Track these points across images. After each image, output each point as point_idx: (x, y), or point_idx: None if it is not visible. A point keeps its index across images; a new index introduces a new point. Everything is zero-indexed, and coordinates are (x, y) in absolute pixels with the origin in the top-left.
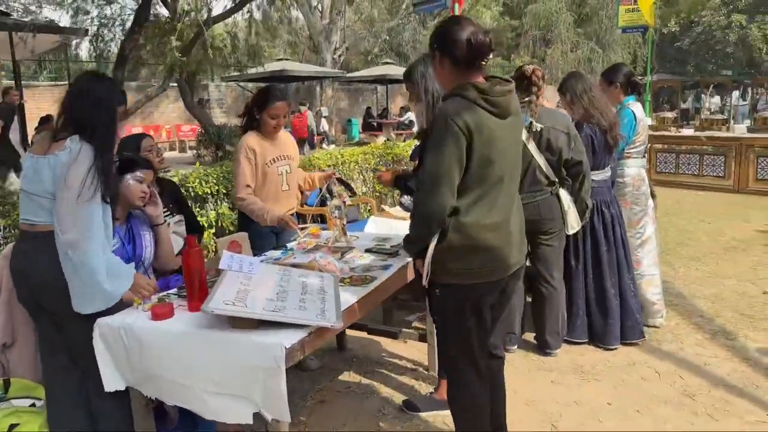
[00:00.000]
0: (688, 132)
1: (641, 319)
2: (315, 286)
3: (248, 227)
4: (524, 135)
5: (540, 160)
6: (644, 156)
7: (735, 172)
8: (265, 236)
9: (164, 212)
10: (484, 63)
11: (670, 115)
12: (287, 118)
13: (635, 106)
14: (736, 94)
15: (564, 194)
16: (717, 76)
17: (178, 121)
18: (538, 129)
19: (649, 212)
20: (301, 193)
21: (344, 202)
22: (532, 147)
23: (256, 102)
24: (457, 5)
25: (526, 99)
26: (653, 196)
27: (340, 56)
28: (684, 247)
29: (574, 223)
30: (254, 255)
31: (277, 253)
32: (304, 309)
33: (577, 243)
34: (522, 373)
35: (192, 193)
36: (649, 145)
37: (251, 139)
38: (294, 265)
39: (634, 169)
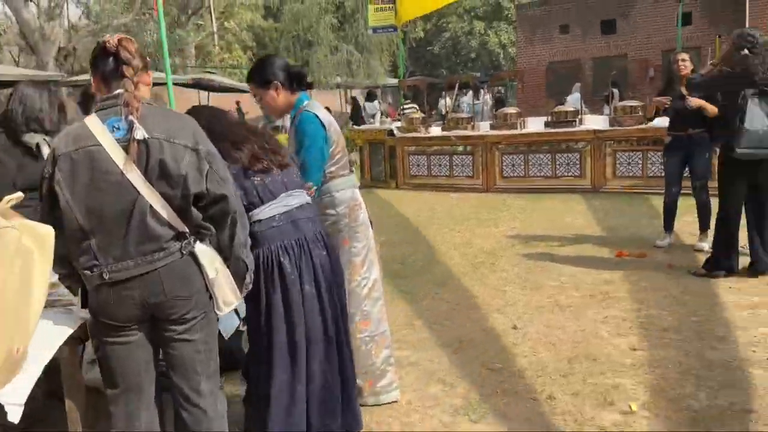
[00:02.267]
0: (436, 132)
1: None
2: None
3: None
4: (121, 155)
5: (152, 197)
6: (352, 171)
7: (483, 170)
8: None
9: None
10: None
11: (417, 115)
12: None
13: (317, 108)
14: (470, 94)
15: (205, 252)
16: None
17: None
18: (143, 139)
19: (372, 245)
20: None
21: None
22: (134, 175)
23: None
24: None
25: (117, 91)
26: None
27: (66, 57)
28: (433, 267)
29: (229, 296)
30: None
31: None
32: None
33: (265, 313)
34: None
35: None
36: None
37: None
38: None
39: (347, 192)
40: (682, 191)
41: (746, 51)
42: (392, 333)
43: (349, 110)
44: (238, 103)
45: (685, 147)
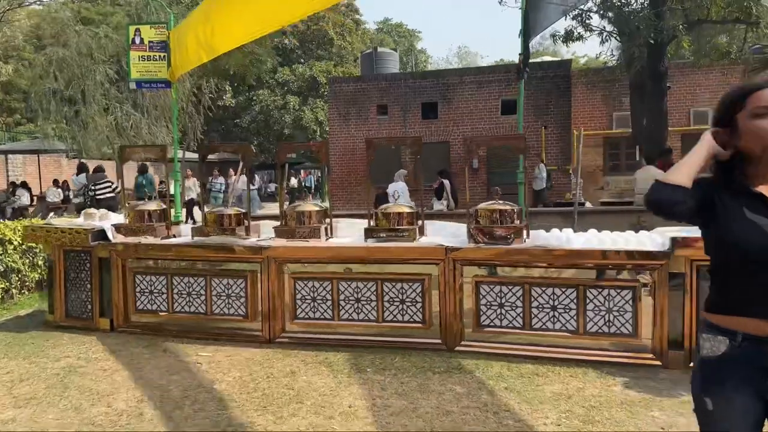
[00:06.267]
0: (186, 237)
1: None
2: None
3: None
4: None
5: None
6: None
7: (264, 307)
8: None
9: None
10: None
11: (155, 206)
12: None
13: None
14: (257, 178)
15: None
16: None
17: None
18: None
19: None
20: None
21: None
22: None
23: None
24: None
25: None
26: None
27: None
28: None
29: None
30: None
31: None
32: None
33: None
34: None
35: None
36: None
37: None
38: None
39: None
40: None
41: None
42: None
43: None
44: None
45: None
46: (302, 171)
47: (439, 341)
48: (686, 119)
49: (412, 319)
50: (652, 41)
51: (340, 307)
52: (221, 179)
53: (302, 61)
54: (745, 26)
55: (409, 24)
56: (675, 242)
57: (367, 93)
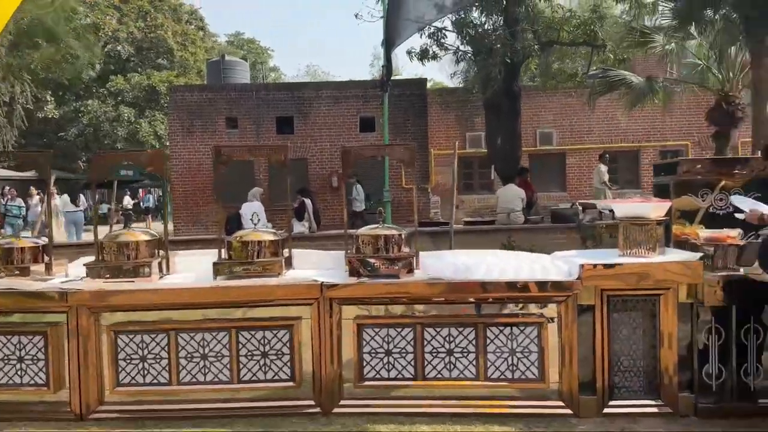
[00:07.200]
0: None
1: None
2: None
3: None
4: None
5: None
6: None
7: (72, 371)
8: None
9: None
10: None
11: None
12: None
13: None
14: (82, 198)
15: None
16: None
17: None
18: None
19: None
20: None
21: None
22: None
23: None
24: None
25: None
26: None
27: None
28: None
29: None
30: None
31: None
32: None
33: None
34: None
35: None
36: None
37: None
38: None
39: None
40: None
41: None
42: None
43: None
44: None
45: None
46: (140, 189)
47: (312, 403)
48: (533, 140)
49: (277, 377)
50: (508, 60)
51: (180, 367)
52: (19, 200)
53: (139, 70)
54: (591, 49)
55: (262, 41)
56: (583, 269)
57: (215, 104)
